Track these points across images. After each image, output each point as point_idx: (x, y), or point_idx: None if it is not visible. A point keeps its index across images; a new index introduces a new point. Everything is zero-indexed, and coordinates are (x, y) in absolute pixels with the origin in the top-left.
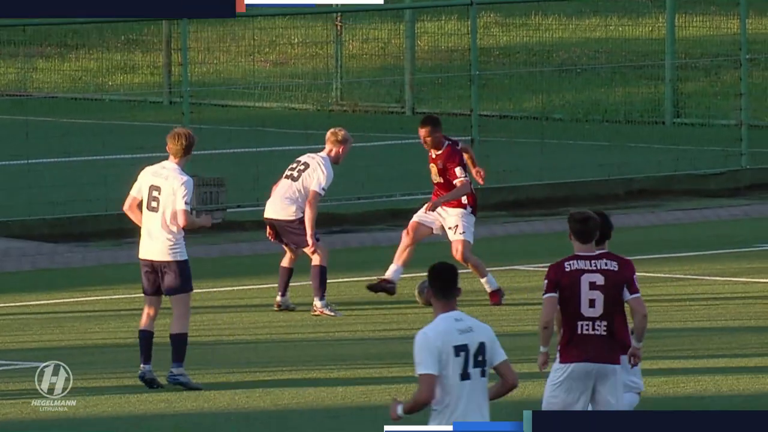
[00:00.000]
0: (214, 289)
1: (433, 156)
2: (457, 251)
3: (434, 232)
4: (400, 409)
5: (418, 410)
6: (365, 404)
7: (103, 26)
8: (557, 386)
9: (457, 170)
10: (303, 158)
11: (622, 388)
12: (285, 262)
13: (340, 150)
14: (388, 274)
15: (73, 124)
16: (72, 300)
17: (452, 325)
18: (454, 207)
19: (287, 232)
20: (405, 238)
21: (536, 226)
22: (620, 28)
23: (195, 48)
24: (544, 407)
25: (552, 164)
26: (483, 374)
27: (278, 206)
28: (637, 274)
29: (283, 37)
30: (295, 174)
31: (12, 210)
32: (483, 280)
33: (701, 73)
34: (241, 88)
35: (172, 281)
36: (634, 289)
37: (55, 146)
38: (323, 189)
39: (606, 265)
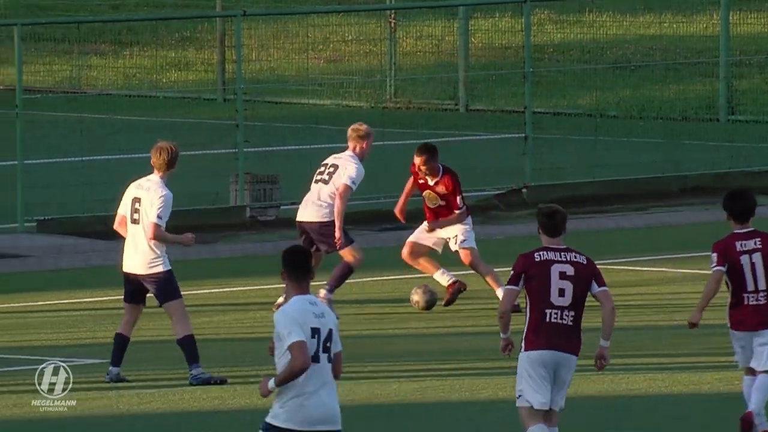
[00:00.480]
0: (268, 286)
1: (431, 183)
2: (465, 259)
3: (433, 247)
4: (271, 383)
5: (292, 379)
6: (420, 401)
7: (157, 23)
8: (526, 375)
9: (458, 200)
10: (329, 161)
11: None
12: None
13: (364, 145)
14: (442, 281)
15: (127, 121)
16: None
17: (308, 308)
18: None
19: (318, 234)
20: (411, 262)
21: (589, 223)
22: (674, 25)
23: (249, 45)
24: (518, 395)
25: (606, 161)
26: (329, 360)
27: (310, 209)
28: (686, 271)
29: (337, 35)
30: (326, 177)
31: (66, 207)
32: (498, 291)
33: (756, 70)
34: (295, 85)
35: (158, 293)
36: (601, 282)
37: (109, 143)
38: (354, 183)
39: (575, 257)
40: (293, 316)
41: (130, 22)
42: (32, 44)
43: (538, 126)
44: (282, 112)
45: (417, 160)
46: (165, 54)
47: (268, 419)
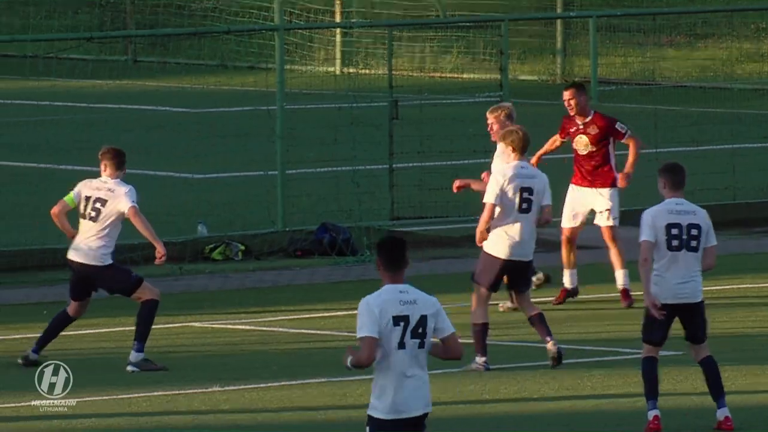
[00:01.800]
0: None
1: (581, 125)
2: (606, 235)
3: (584, 223)
4: (348, 362)
5: (359, 368)
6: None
7: (732, 15)
8: None
9: (619, 126)
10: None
11: None
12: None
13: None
14: (567, 282)
15: (702, 113)
16: None
17: (395, 296)
18: (606, 187)
19: None
20: (565, 246)
21: None
22: None
23: None
24: None
25: None
26: (421, 345)
27: None
28: None
29: None
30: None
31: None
32: (619, 273)
33: None
34: None
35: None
36: None
37: (683, 135)
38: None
39: None
40: (370, 308)
41: (707, 14)
42: (608, 36)
43: None
44: None
45: (566, 94)
46: (740, 45)
47: (369, 411)
